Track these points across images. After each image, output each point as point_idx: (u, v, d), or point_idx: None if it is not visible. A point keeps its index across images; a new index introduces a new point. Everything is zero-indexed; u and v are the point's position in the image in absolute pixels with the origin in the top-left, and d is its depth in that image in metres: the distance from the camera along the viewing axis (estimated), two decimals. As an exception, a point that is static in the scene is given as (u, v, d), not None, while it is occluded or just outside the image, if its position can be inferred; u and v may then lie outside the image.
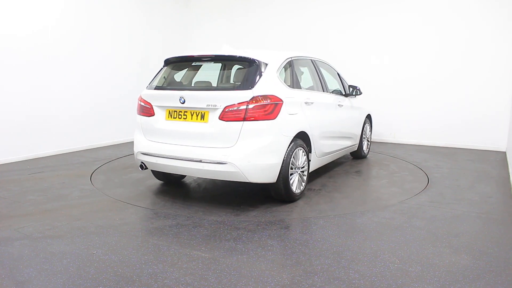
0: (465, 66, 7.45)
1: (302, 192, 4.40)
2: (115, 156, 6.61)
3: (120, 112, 7.75)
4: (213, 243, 3.22)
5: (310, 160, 4.57)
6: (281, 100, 4.02)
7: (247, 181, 3.91)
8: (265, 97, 3.90)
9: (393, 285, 2.57)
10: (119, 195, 4.53)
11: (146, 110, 4.35)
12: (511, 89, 7.16)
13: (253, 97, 3.83)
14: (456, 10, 7.43)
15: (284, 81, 4.33)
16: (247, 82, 3.96)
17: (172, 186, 4.94)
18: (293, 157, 4.16)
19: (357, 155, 6.51)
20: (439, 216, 3.88)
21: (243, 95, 3.85)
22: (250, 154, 3.81)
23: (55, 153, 6.72)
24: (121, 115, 7.72)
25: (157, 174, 4.95)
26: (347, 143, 5.79)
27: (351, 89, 5.90)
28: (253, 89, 3.88)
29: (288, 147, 4.08)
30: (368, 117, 6.68)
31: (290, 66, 4.54)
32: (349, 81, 6.32)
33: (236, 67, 4.43)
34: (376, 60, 8.19)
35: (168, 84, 4.43)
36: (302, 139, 4.37)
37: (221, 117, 3.86)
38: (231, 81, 4.29)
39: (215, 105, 3.90)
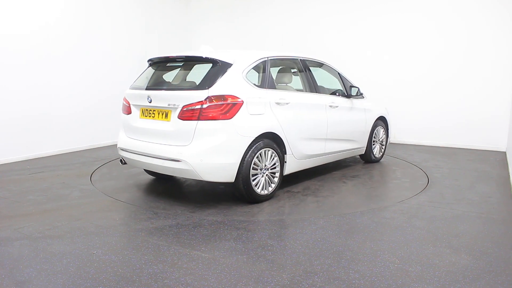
0: (465, 66, 7.45)
1: (271, 194, 4.35)
2: (115, 156, 6.61)
3: (120, 112, 7.74)
4: (213, 243, 3.22)
5: (285, 162, 4.52)
6: (241, 100, 4.03)
7: (201, 179, 3.98)
8: (221, 97, 3.94)
9: (393, 285, 2.57)
10: (119, 195, 4.53)
11: (126, 108, 4.61)
12: (511, 89, 7.16)
13: (208, 97, 3.90)
14: (456, 10, 7.42)
15: (252, 81, 4.30)
16: (205, 82, 4.04)
17: (172, 186, 4.94)
18: (257, 157, 4.14)
19: (367, 158, 6.20)
20: (439, 216, 3.88)
21: (199, 95, 3.93)
22: (203, 152, 3.88)
23: (55, 153, 6.73)
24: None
25: (148, 170, 5.13)
26: (346, 145, 5.58)
27: (352, 89, 5.64)
28: (209, 89, 3.94)
29: (249, 148, 4.06)
30: (382, 119, 6.30)
31: (263, 66, 4.51)
32: (351, 81, 6.15)
33: (201, 67, 4.47)
34: (376, 60, 8.19)
35: (144, 84, 4.58)
36: (273, 140, 4.33)
37: (180, 116, 3.98)
38: (193, 81, 4.39)
39: (175, 104, 4.03)
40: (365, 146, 6.02)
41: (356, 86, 5.78)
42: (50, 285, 2.55)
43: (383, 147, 6.45)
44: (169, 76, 4.77)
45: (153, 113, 4.27)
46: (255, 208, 4.11)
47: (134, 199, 4.40)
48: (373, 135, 6.12)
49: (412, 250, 3.10)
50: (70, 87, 6.94)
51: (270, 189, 4.34)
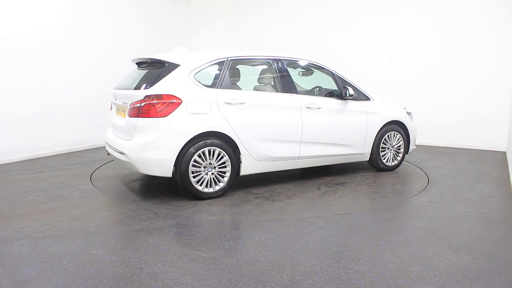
0: (465, 66, 7.45)
1: (219, 192, 4.37)
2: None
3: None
4: (213, 243, 3.22)
5: (241, 162, 4.49)
6: (179, 99, 4.20)
7: (140, 172, 4.28)
8: (157, 96, 4.17)
9: (393, 285, 2.57)
10: (119, 195, 4.54)
11: (110, 106, 5.09)
12: (511, 89, 7.16)
13: (145, 96, 4.17)
14: (458, 10, 7.42)
15: (201, 81, 4.38)
16: (148, 82, 4.33)
17: (172, 185, 4.94)
18: (200, 155, 4.24)
19: (374, 166, 5.68)
20: (439, 216, 3.88)
21: (140, 94, 4.23)
22: (138, 147, 4.17)
23: (55, 153, 6.73)
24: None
25: None
26: (336, 150, 5.20)
27: (347, 90, 5.21)
28: (149, 88, 4.22)
29: (188, 145, 4.19)
30: (396, 123, 5.66)
31: (220, 66, 4.54)
32: (352, 81, 5.63)
33: (152, 68, 4.61)
34: (377, 60, 8.18)
35: (121, 84, 4.94)
36: (222, 139, 4.36)
37: (128, 113, 4.33)
38: (141, 81, 4.54)
39: (126, 103, 4.40)
40: (369, 153, 5.52)
41: (353, 86, 5.39)
42: (50, 285, 2.55)
43: (398, 155, 5.77)
44: (136, 77, 4.93)
45: (119, 110, 4.67)
46: (190, 203, 4.18)
47: (134, 199, 4.40)
48: (382, 140, 5.57)
49: (412, 250, 3.10)
50: (70, 88, 6.94)
51: (218, 187, 4.38)
